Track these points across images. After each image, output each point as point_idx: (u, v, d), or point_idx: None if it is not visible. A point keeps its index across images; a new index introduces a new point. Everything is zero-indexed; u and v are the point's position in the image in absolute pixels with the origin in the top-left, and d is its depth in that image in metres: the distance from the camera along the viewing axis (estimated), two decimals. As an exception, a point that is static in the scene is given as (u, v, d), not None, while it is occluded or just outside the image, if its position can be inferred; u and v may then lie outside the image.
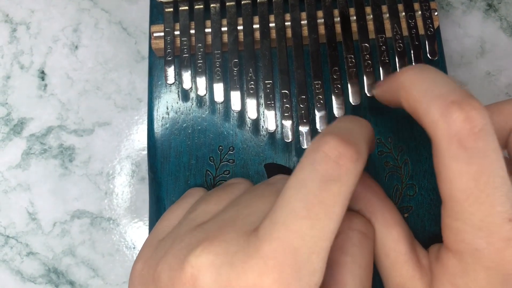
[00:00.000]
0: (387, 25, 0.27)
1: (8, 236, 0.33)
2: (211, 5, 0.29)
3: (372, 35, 0.27)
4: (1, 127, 0.35)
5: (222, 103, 0.28)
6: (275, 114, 0.26)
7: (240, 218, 0.19)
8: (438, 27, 0.28)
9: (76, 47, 0.36)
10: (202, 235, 0.18)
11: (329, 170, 0.17)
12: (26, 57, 0.36)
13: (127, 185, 0.34)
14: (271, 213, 0.17)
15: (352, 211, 0.22)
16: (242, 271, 0.16)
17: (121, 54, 0.36)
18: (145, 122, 0.35)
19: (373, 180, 0.22)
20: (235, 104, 0.27)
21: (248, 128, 0.28)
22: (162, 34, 0.28)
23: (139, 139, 0.34)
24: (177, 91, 0.29)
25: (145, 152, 0.34)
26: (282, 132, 0.27)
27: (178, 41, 0.28)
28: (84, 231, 0.33)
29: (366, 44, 0.27)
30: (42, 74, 0.36)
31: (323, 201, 0.16)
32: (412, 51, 0.27)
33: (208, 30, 0.28)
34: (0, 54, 0.36)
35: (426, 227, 0.26)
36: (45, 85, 0.35)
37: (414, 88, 0.19)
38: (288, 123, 0.26)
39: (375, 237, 0.21)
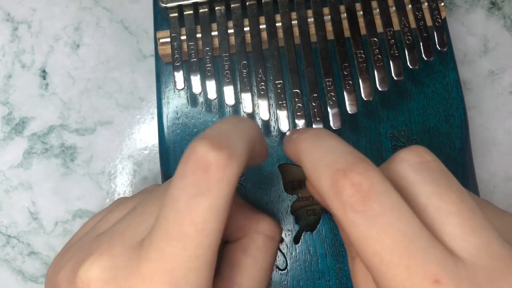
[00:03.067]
0: (394, 18, 0.27)
1: (9, 236, 0.33)
2: (216, 8, 0.28)
3: (380, 29, 0.27)
4: (2, 126, 0.35)
5: (232, 106, 0.28)
6: (287, 114, 0.26)
7: (130, 229, 0.19)
8: (445, 18, 0.28)
9: (78, 46, 0.36)
10: (95, 247, 0.19)
11: (198, 184, 0.16)
12: (27, 56, 0.36)
13: (129, 184, 0.34)
14: (151, 232, 0.17)
15: (259, 212, 0.21)
16: None
17: (122, 53, 0.35)
18: (147, 121, 0.34)
19: None
20: (247, 106, 0.27)
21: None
22: (168, 39, 0.28)
23: (141, 138, 0.34)
24: (186, 96, 0.29)
25: (147, 151, 0.34)
26: None
27: (185, 46, 0.28)
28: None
29: (374, 39, 0.27)
30: (44, 73, 0.35)
31: (193, 219, 0.16)
32: (421, 43, 0.27)
33: (214, 33, 0.28)
34: (2, 53, 0.36)
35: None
36: (47, 84, 0.35)
37: (307, 158, 0.18)
38: (301, 123, 0.26)
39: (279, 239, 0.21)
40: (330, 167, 0.17)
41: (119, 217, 0.21)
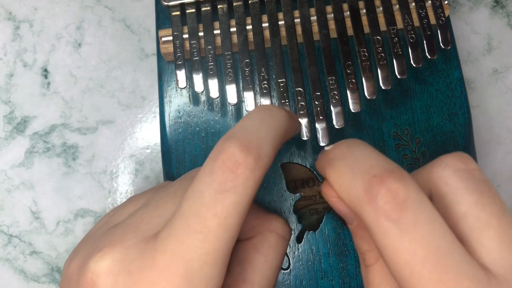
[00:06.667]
0: (398, 16, 0.27)
1: (11, 235, 0.33)
2: (219, 6, 0.28)
3: (383, 28, 0.27)
4: (4, 125, 0.35)
5: (234, 104, 0.28)
6: None
7: (144, 222, 0.19)
8: (448, 16, 0.28)
9: (80, 44, 0.36)
10: (108, 239, 0.19)
11: (225, 181, 0.17)
12: (29, 55, 0.36)
13: (131, 183, 0.34)
14: (169, 223, 0.17)
15: (270, 213, 0.22)
16: (138, 280, 0.17)
17: (124, 51, 0.35)
18: (149, 120, 0.34)
19: None
20: (249, 105, 0.27)
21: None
22: (170, 38, 0.28)
23: (143, 138, 0.34)
24: (188, 95, 0.29)
25: (149, 150, 0.34)
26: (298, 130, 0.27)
27: (187, 44, 0.28)
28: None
29: (378, 37, 0.27)
30: (45, 72, 0.35)
31: (217, 213, 0.16)
32: (424, 41, 0.26)
33: (217, 31, 0.28)
34: (3, 52, 0.36)
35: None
36: (48, 83, 0.35)
37: (341, 163, 0.18)
38: (304, 121, 0.26)
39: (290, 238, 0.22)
40: (366, 172, 0.17)
41: (132, 211, 0.21)
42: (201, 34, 0.28)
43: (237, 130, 0.18)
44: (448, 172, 0.18)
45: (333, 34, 0.28)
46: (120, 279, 0.17)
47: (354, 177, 0.17)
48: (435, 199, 0.18)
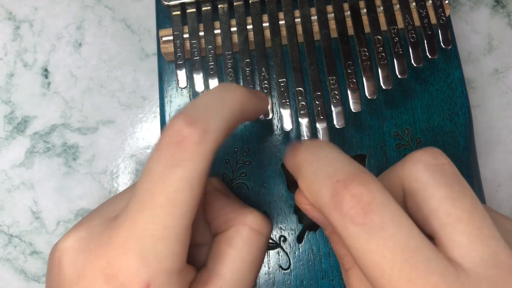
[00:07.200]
0: (398, 16, 0.27)
1: (11, 235, 0.33)
2: (219, 6, 0.28)
3: (384, 27, 0.27)
4: (4, 125, 0.35)
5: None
6: (291, 113, 0.26)
7: (109, 205, 0.20)
8: (449, 15, 0.28)
9: (80, 44, 0.36)
10: (81, 221, 0.20)
11: (172, 156, 0.17)
12: (29, 54, 0.36)
13: (131, 183, 0.34)
14: (128, 203, 0.18)
15: (248, 207, 0.22)
16: (96, 256, 0.18)
17: (125, 51, 0.35)
18: (149, 120, 0.34)
19: None
20: None
21: (262, 128, 0.28)
22: (171, 38, 0.28)
23: (143, 137, 0.34)
24: (188, 95, 0.29)
25: (149, 150, 0.34)
26: (298, 130, 0.27)
27: (187, 44, 0.28)
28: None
29: (378, 37, 0.27)
30: (46, 72, 0.35)
31: (165, 188, 0.17)
32: (425, 41, 0.26)
33: (217, 31, 0.28)
34: (4, 52, 0.36)
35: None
36: (49, 83, 0.35)
37: (307, 169, 0.18)
38: (304, 121, 0.26)
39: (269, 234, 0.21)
40: (331, 178, 0.17)
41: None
42: (201, 33, 0.28)
43: (186, 107, 0.18)
44: (419, 167, 0.18)
45: (334, 33, 0.27)
46: (81, 256, 0.18)
47: (320, 183, 0.17)
48: (408, 196, 0.18)
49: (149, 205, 0.17)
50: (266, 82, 0.27)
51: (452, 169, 0.18)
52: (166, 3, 0.28)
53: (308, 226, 0.27)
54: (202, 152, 0.17)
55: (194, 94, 0.29)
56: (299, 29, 0.28)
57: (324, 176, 0.17)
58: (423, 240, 0.16)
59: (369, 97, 0.26)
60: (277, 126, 0.28)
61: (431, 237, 0.17)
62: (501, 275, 0.16)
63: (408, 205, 0.18)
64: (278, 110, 0.28)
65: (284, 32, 0.28)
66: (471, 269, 0.16)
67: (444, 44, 0.27)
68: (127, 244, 0.17)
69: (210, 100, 0.19)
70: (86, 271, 0.18)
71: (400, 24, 0.27)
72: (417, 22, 0.27)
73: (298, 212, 0.27)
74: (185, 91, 0.29)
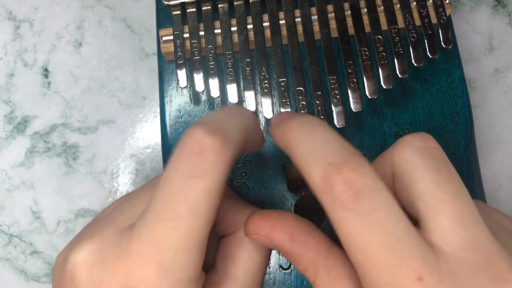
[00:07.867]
0: (399, 15, 0.27)
1: (12, 235, 0.33)
2: (219, 6, 0.28)
3: (384, 27, 0.27)
4: (4, 125, 0.35)
5: (236, 104, 0.28)
6: None
7: (121, 214, 0.20)
8: (450, 15, 0.28)
9: (80, 44, 0.36)
10: (89, 232, 0.20)
11: (193, 166, 0.16)
12: (29, 54, 0.36)
13: (131, 183, 0.34)
14: (143, 214, 0.18)
15: (254, 207, 0.22)
16: (113, 270, 0.17)
17: (125, 51, 0.35)
18: (150, 119, 0.34)
19: (314, 227, 0.21)
20: (250, 104, 0.27)
21: (263, 128, 0.28)
22: (171, 37, 0.28)
23: (143, 137, 0.34)
24: (188, 95, 0.29)
25: (150, 150, 0.34)
26: None
27: (187, 44, 0.28)
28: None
29: (379, 36, 0.27)
30: (46, 72, 0.35)
31: (187, 199, 0.16)
32: (426, 41, 0.26)
33: (217, 31, 0.28)
34: (4, 52, 0.36)
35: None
36: (49, 83, 0.35)
37: (298, 148, 0.18)
38: None
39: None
40: (323, 160, 0.16)
41: (115, 207, 0.22)
42: (201, 33, 0.28)
43: (204, 118, 0.18)
44: (408, 149, 0.18)
45: (334, 33, 0.27)
46: (96, 269, 0.18)
47: (312, 163, 0.17)
48: (396, 178, 0.18)
49: (170, 216, 0.17)
50: (266, 81, 0.27)
51: (441, 154, 0.18)
52: (166, 2, 0.28)
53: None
54: (222, 163, 0.17)
55: (194, 94, 0.29)
56: (300, 28, 0.28)
57: (317, 157, 0.17)
58: (409, 227, 0.16)
59: (369, 97, 0.26)
60: None
61: (416, 219, 0.17)
62: (481, 260, 0.16)
63: (396, 188, 0.19)
64: (278, 110, 0.28)
65: (284, 31, 0.28)
66: (452, 253, 0.16)
67: (444, 44, 0.27)
68: (148, 256, 0.17)
69: (228, 113, 0.19)
70: (103, 285, 0.17)
71: (401, 23, 0.27)
72: (417, 22, 0.27)
73: (298, 212, 0.27)
74: (185, 91, 0.29)
